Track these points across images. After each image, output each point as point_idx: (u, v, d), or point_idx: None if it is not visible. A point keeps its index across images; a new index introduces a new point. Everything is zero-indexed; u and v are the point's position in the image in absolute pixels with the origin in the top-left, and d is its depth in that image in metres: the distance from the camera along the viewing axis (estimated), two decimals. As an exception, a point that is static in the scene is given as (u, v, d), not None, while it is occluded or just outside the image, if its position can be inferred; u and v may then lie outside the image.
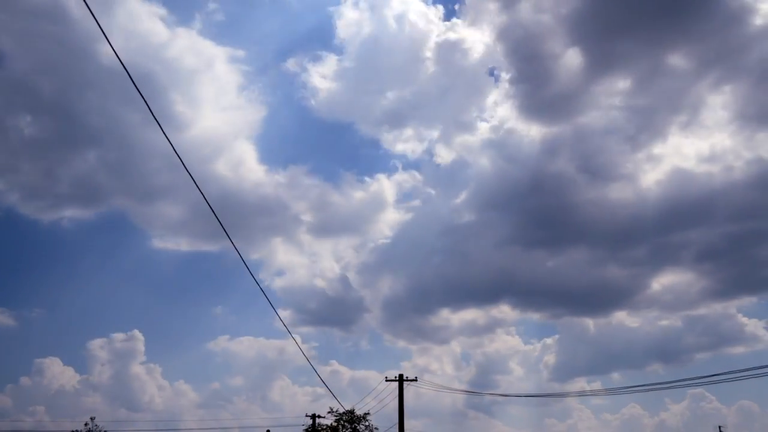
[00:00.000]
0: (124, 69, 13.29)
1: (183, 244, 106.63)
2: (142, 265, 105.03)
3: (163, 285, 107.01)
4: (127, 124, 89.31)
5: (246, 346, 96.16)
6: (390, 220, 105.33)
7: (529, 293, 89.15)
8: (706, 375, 37.49)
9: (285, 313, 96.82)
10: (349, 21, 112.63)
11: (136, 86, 13.65)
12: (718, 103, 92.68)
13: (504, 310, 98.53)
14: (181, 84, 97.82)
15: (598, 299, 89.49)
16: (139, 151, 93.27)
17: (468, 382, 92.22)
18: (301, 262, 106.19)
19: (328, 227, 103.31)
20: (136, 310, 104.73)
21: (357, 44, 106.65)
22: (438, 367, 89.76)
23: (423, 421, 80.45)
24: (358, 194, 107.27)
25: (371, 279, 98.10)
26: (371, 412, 46.40)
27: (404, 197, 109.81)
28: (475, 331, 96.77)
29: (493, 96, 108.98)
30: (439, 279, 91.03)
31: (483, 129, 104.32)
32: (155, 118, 14.88)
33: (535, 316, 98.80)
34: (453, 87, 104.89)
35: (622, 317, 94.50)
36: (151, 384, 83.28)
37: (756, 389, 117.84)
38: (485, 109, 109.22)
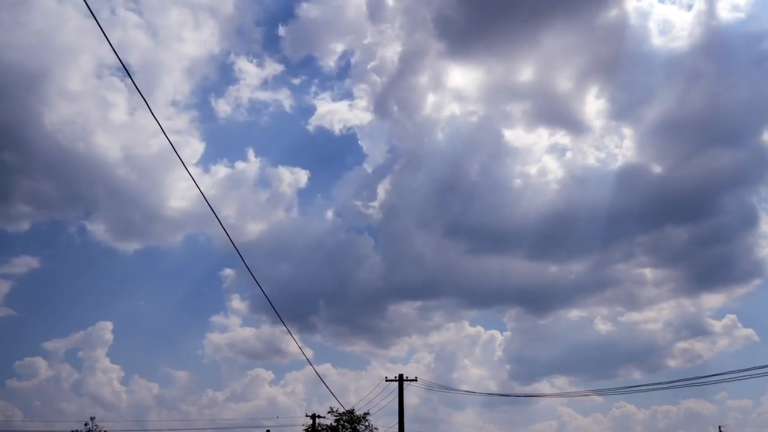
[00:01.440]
0: (123, 67, 13.39)
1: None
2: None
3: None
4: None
5: (211, 341, 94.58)
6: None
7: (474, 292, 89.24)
8: (703, 376, 37.58)
9: (219, 315, 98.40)
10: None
11: (134, 83, 13.73)
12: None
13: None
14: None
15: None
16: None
17: (435, 379, 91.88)
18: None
19: (250, 218, 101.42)
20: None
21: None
22: (403, 368, 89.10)
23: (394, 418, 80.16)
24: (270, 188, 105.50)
25: (310, 274, 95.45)
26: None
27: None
28: (424, 329, 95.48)
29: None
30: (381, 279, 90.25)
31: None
32: (155, 118, 14.96)
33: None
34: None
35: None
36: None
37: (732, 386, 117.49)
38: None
